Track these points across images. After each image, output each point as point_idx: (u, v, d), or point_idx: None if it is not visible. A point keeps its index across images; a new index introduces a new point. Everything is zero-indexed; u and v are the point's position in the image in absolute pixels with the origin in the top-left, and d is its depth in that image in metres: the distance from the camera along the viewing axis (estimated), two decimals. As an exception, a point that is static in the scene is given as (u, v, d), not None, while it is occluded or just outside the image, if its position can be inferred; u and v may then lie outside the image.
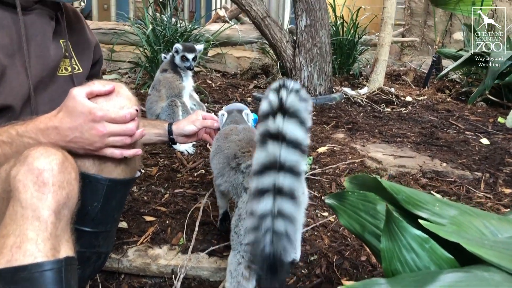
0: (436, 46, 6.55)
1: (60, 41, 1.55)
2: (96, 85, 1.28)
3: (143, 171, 2.50)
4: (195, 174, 2.48)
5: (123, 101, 1.31)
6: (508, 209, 2.11)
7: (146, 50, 4.43)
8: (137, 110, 1.33)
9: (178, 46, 2.84)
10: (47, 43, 1.50)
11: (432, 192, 2.28)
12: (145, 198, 2.18)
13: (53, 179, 1.12)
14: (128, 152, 1.34)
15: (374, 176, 1.27)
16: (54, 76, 1.53)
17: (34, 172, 1.10)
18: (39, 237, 1.06)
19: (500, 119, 3.95)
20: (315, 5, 4.11)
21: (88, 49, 1.69)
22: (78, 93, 1.24)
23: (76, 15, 1.67)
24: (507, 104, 4.49)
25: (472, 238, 0.98)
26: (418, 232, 0.97)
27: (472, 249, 0.92)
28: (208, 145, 2.88)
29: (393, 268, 0.99)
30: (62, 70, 1.56)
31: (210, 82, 4.93)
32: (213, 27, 6.54)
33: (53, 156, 1.14)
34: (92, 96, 1.27)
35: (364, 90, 4.73)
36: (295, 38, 4.31)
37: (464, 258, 1.00)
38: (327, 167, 2.48)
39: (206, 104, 3.93)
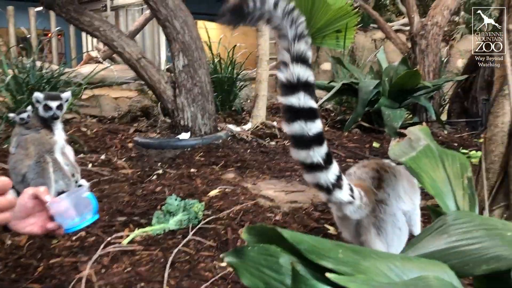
0: (309, 79, 7.00)
1: None
2: None
3: (9, 241, 2.15)
4: (74, 238, 2.19)
5: None
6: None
7: (6, 99, 3.96)
8: None
9: (38, 95, 2.53)
10: None
11: (325, 225, 2.30)
12: (13, 275, 1.84)
13: None
14: None
15: (272, 226, 1.18)
16: None
17: None
18: None
19: (374, 144, 4.24)
20: (191, 45, 4.07)
21: None
22: None
23: None
24: (377, 129, 4.88)
25: (380, 286, 0.93)
26: (328, 288, 0.90)
27: (383, 300, 0.87)
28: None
29: (307, 332, 0.90)
30: None
31: (85, 129, 4.55)
32: (85, 69, 6.18)
33: None
34: None
35: (248, 126, 4.77)
36: (174, 78, 4.20)
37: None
38: (221, 213, 2.37)
39: (82, 154, 3.60)
